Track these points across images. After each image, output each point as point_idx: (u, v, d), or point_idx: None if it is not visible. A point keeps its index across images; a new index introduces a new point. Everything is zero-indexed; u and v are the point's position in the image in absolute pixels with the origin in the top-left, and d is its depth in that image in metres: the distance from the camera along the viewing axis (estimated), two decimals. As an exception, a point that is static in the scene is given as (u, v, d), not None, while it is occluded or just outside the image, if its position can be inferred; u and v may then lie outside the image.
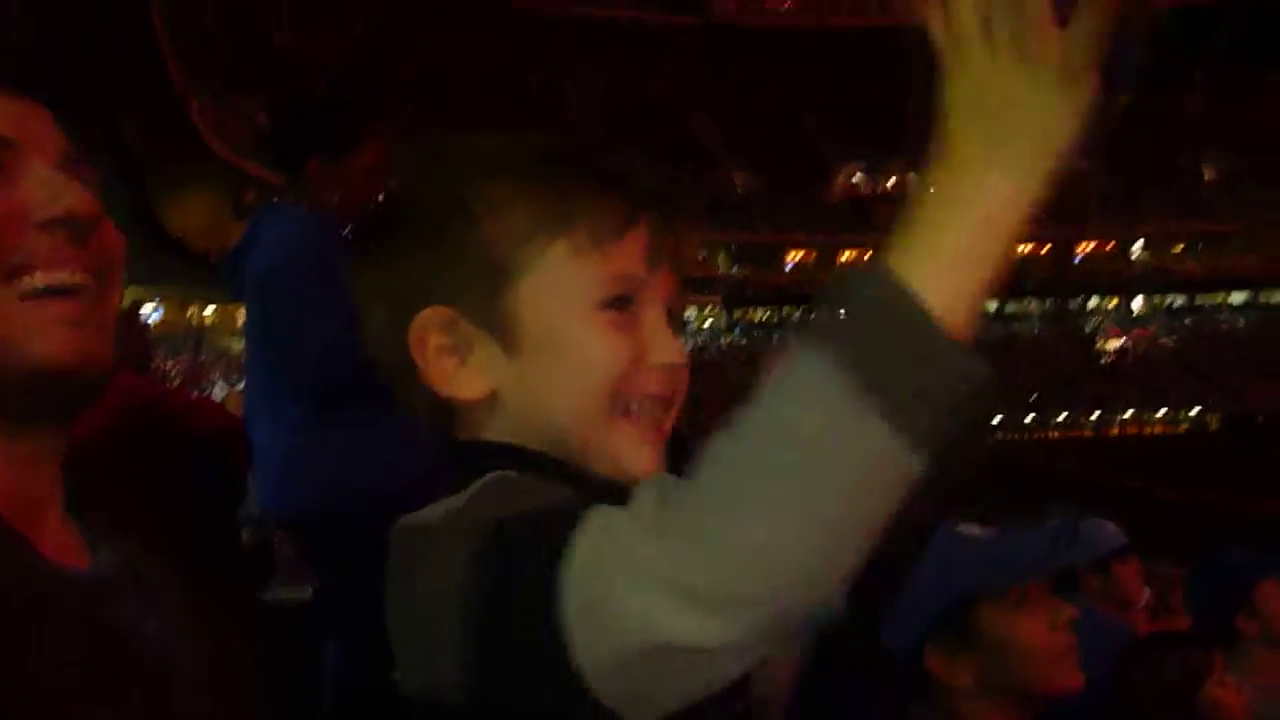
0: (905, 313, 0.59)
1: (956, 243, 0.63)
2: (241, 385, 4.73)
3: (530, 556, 0.64)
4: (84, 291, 0.77)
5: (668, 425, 0.82)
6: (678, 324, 0.84)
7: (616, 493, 0.73)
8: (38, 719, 0.68)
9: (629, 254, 0.79)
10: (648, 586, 0.59)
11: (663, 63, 57.41)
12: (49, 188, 0.77)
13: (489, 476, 0.77)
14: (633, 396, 0.80)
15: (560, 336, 0.79)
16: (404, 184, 0.86)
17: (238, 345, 38.54)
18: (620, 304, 0.79)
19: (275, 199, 2.56)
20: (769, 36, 59.16)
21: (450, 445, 0.85)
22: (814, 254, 55.21)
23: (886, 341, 0.58)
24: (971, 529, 1.50)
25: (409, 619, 0.76)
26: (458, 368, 0.80)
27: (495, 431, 0.81)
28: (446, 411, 0.83)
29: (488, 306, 0.79)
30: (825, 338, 0.59)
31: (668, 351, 0.81)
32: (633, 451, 0.80)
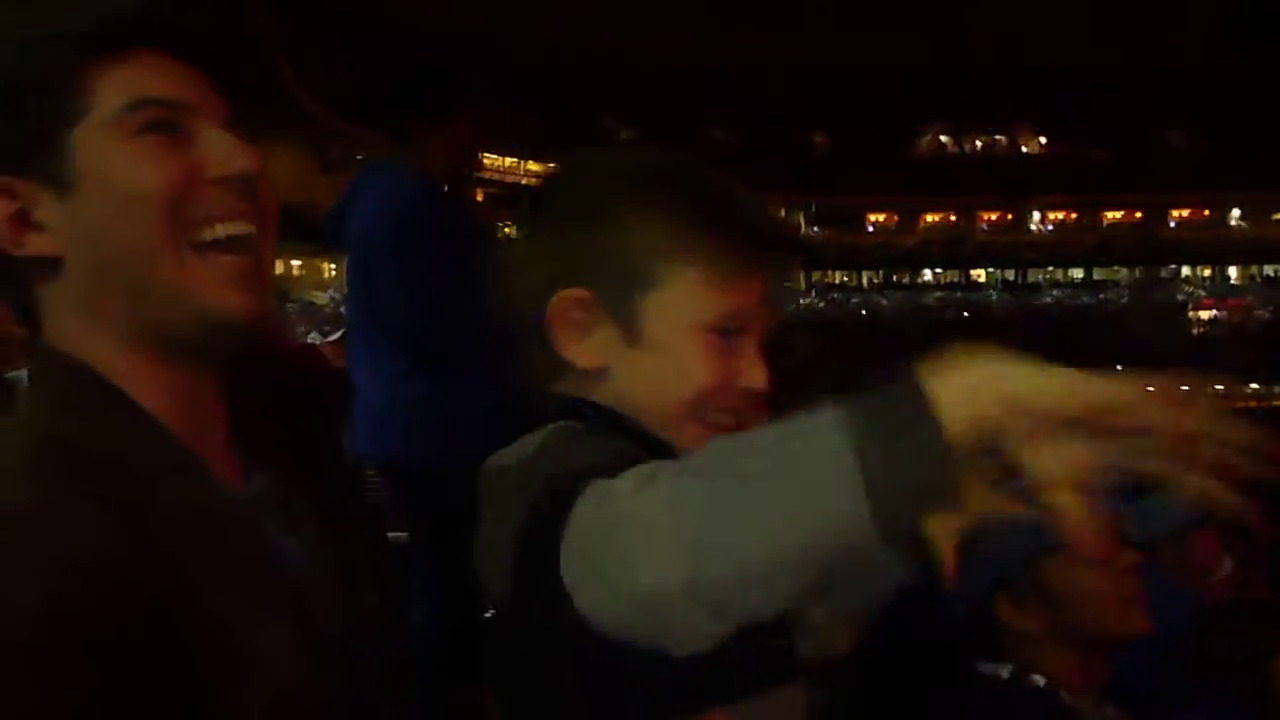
0: (919, 419, 0.64)
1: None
2: (334, 336, 4.88)
3: (548, 519, 0.75)
4: (252, 241, 0.88)
5: (730, 428, 0.96)
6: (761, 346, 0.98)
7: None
8: (205, 616, 0.77)
9: (746, 293, 0.93)
10: (626, 547, 0.69)
11: (744, 20, 56.66)
12: (222, 147, 0.87)
13: (555, 426, 0.91)
14: (711, 407, 0.94)
15: (672, 345, 0.92)
16: (574, 177, 0.99)
17: (322, 298, 39.38)
18: (724, 330, 0.93)
19: (378, 159, 2.66)
20: (855, -6, 58.01)
21: (550, 396, 0.98)
22: (895, 216, 54.45)
23: (894, 431, 0.64)
24: None
25: (484, 544, 0.93)
26: (583, 339, 0.94)
27: (597, 396, 0.95)
28: (560, 369, 0.97)
29: (622, 302, 0.93)
30: (847, 409, 0.65)
31: (755, 377, 0.94)
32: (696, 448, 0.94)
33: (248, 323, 0.86)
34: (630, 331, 0.93)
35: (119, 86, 0.84)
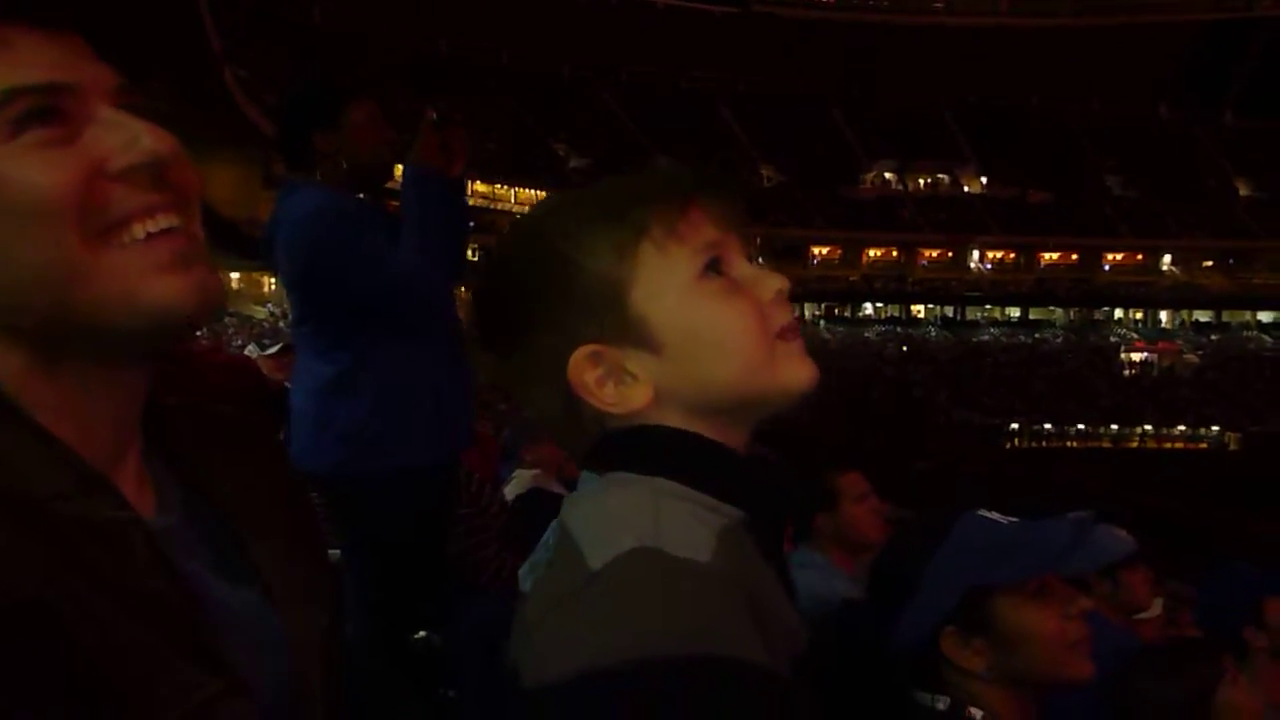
0: None
1: None
2: (272, 349, 4.81)
3: None
4: (178, 230, 0.76)
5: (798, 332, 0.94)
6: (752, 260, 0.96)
7: (759, 470, 0.91)
8: (99, 639, 0.69)
9: (700, 227, 0.89)
10: None
11: (698, 52, 57.25)
12: (121, 132, 0.74)
13: (626, 556, 0.80)
14: (773, 332, 0.90)
15: (688, 320, 0.88)
16: (506, 264, 0.93)
17: (261, 312, 38.91)
18: (712, 268, 0.89)
19: (292, 179, 2.63)
20: (806, 29, 58.94)
21: (618, 434, 0.91)
22: (839, 250, 55.13)
23: None
24: (992, 517, 1.52)
25: (533, 618, 0.84)
26: (619, 387, 0.89)
27: (672, 420, 0.90)
28: (615, 421, 0.91)
29: (618, 326, 0.88)
30: None
31: (771, 283, 0.91)
32: (796, 371, 0.91)
33: (193, 306, 0.75)
34: (648, 342, 0.88)
35: None
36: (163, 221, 0.75)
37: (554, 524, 0.90)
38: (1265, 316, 54.27)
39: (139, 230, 0.74)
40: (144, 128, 0.75)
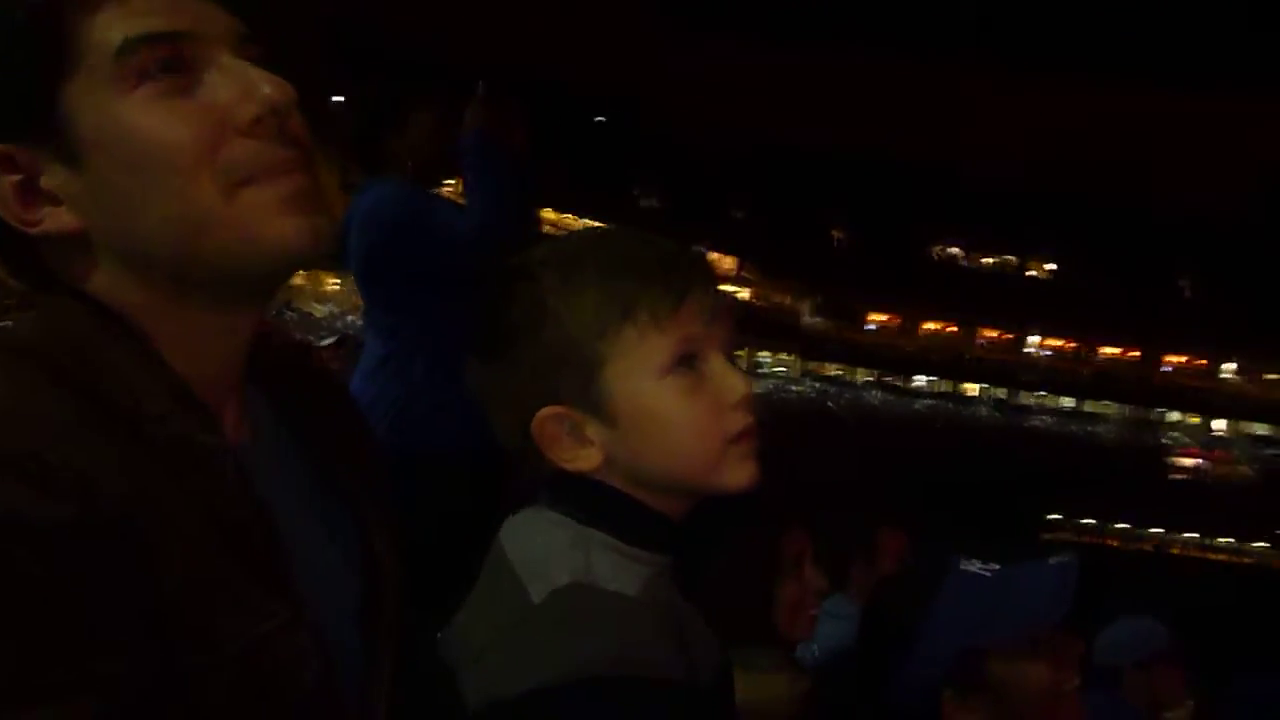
0: None
1: None
2: (326, 341, 4.92)
3: None
4: (301, 174, 0.77)
5: (755, 435, 0.98)
6: (730, 354, 0.99)
7: (672, 530, 0.97)
8: (179, 561, 0.70)
9: (685, 322, 0.94)
10: None
11: (783, 104, 57.56)
12: (240, 80, 0.75)
13: (564, 590, 0.91)
14: (724, 437, 0.95)
15: (645, 408, 0.94)
16: (501, 301, 0.98)
17: (321, 310, 39.54)
18: (685, 362, 0.94)
19: (368, 181, 2.70)
20: (889, 88, 59.04)
21: (565, 478, 0.98)
22: (897, 319, 54.88)
23: None
24: (976, 570, 1.49)
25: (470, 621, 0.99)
26: (574, 447, 0.96)
27: (615, 481, 0.97)
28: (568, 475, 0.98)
29: (585, 395, 0.94)
30: None
31: (736, 388, 0.95)
32: (737, 474, 0.96)
33: (308, 246, 0.76)
34: (607, 416, 0.94)
35: (104, 27, 0.72)
36: (293, 176, 0.76)
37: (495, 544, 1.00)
38: (1327, 437, 52.92)
39: (269, 185, 0.75)
40: (264, 76, 0.75)
